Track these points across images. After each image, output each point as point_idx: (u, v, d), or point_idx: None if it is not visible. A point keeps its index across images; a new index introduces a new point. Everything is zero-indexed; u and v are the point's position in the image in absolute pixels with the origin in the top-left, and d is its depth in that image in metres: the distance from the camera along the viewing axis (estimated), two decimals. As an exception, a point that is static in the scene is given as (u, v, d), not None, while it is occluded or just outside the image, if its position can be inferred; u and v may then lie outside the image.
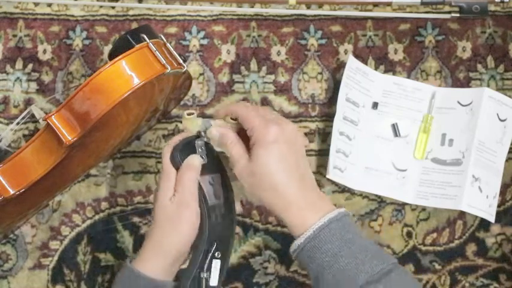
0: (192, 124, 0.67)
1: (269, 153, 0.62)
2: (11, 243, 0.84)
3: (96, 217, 0.85)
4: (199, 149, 0.67)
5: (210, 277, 0.63)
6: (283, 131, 0.63)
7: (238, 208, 0.83)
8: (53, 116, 0.65)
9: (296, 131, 0.66)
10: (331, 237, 0.60)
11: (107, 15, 0.90)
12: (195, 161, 0.66)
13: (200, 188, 0.65)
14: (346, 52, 0.91)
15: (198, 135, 0.68)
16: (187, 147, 0.66)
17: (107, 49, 0.89)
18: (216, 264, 0.64)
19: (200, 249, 0.64)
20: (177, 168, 0.66)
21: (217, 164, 0.69)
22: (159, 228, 0.65)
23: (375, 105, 0.88)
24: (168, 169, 0.66)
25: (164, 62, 0.67)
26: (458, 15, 0.87)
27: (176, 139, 0.67)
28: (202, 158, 0.67)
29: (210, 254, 0.64)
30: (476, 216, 0.86)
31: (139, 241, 0.84)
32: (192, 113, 0.67)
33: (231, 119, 0.68)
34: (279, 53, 0.90)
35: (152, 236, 0.66)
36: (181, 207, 0.64)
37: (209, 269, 0.64)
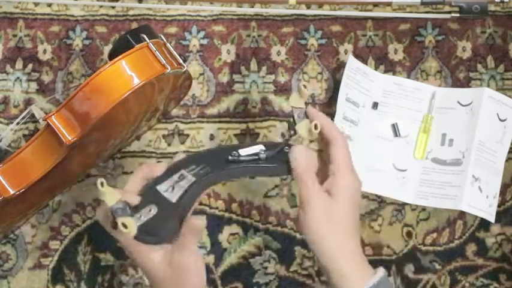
0: (110, 197, 0.58)
1: (352, 201, 0.64)
2: (11, 243, 0.84)
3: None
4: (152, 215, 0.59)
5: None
6: (360, 184, 0.65)
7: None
8: (53, 116, 0.65)
9: None
10: None
11: (107, 15, 0.90)
12: (198, 224, 0.59)
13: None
14: (346, 52, 0.91)
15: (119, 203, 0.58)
16: (146, 225, 0.58)
17: (107, 49, 0.89)
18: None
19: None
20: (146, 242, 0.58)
21: (152, 195, 0.62)
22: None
23: (375, 105, 0.88)
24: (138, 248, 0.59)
25: (164, 62, 0.67)
26: (458, 15, 0.87)
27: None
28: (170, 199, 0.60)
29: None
30: (476, 216, 0.86)
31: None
32: (102, 182, 0.57)
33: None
34: (279, 53, 0.90)
35: None
36: (181, 271, 0.58)
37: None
